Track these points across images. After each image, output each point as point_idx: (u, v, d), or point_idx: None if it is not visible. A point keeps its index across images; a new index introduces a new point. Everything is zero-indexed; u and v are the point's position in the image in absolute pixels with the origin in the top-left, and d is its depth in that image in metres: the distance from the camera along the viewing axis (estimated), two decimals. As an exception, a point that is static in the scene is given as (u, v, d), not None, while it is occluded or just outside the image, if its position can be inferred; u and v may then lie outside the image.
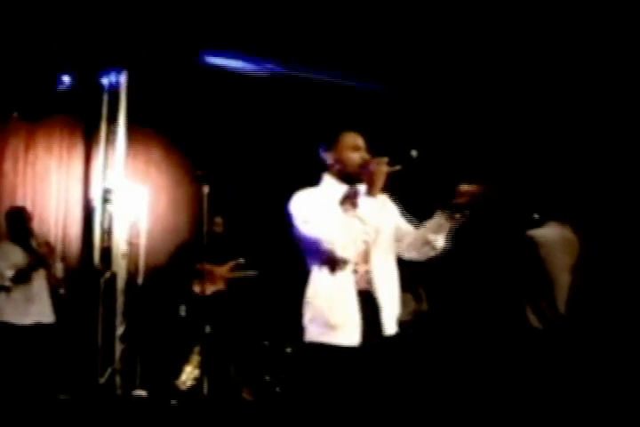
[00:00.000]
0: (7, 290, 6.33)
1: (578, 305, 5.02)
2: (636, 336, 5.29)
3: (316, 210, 3.45)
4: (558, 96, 6.85)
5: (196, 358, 6.71)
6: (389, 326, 3.52)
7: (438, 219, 3.53)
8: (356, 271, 3.46)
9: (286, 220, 3.53)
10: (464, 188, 3.46)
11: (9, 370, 6.17)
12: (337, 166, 3.63)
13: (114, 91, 7.87)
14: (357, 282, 3.46)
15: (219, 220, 7.42)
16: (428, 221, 3.59)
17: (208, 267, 6.97)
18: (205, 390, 6.08)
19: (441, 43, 7.04)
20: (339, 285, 3.44)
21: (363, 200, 3.46)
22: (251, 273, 7.23)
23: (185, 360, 6.74)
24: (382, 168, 3.43)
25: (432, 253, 3.63)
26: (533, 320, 5.09)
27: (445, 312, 7.21)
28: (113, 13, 6.90)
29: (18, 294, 6.38)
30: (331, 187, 3.62)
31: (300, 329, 3.51)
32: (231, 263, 7.19)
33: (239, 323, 7.04)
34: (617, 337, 5.29)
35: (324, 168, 3.70)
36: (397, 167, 3.45)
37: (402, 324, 7.29)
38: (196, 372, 6.66)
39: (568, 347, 4.93)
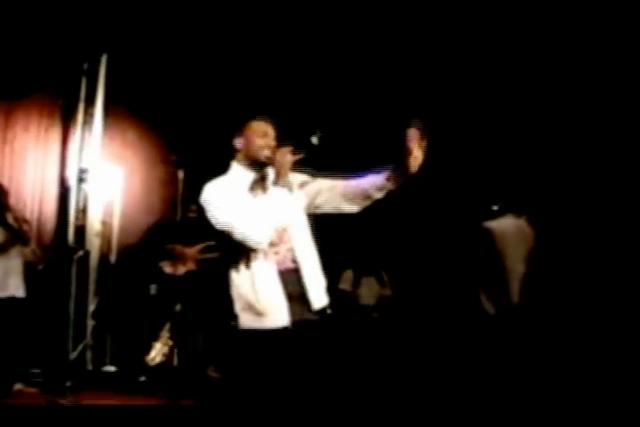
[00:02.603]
0: None
1: (530, 294, 5.26)
2: (583, 322, 5.51)
3: (226, 199, 3.52)
4: (524, 88, 6.98)
5: (165, 336, 6.85)
6: (318, 300, 3.64)
7: (385, 181, 3.61)
8: (277, 253, 3.57)
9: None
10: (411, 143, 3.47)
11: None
12: (244, 152, 3.70)
13: (93, 73, 7.99)
14: (282, 262, 3.58)
15: (193, 207, 7.57)
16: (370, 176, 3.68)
17: (179, 248, 7.10)
18: (173, 366, 6.26)
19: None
20: (259, 271, 3.54)
21: (271, 187, 3.58)
22: (220, 254, 7.36)
23: (155, 337, 6.87)
24: (287, 157, 3.54)
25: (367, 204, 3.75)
26: (488, 306, 5.32)
27: (407, 297, 7.42)
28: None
29: None
30: (239, 173, 3.70)
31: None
32: (201, 245, 7.33)
33: (208, 303, 7.17)
34: (566, 325, 5.52)
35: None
36: (301, 155, 3.57)
37: (366, 307, 7.59)
38: (165, 349, 6.80)
39: (519, 332, 5.15)
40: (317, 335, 3.65)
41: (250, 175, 3.69)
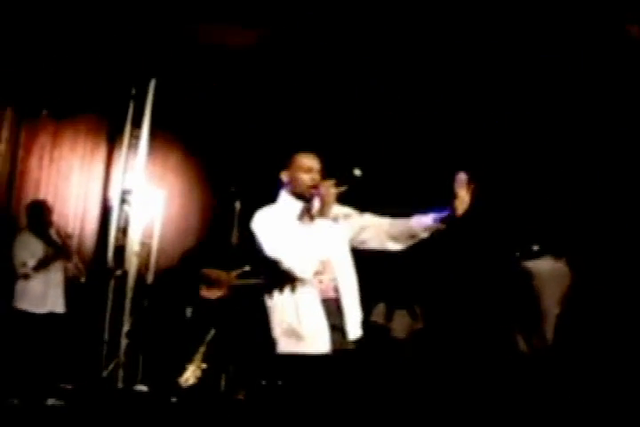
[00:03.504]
0: (26, 278, 6.50)
1: (564, 335, 5.32)
2: (618, 366, 5.55)
3: (275, 229, 3.58)
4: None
5: (198, 359, 6.93)
6: (354, 332, 3.69)
7: (432, 222, 3.69)
8: (321, 281, 3.64)
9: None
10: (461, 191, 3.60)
11: (20, 356, 6.36)
12: (290, 186, 3.79)
13: (140, 97, 8.23)
14: (324, 290, 3.64)
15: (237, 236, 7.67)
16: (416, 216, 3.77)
17: (216, 272, 7.20)
18: (205, 389, 6.34)
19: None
20: (304, 298, 3.60)
21: (317, 219, 3.66)
22: (255, 281, 7.44)
23: (188, 360, 6.95)
24: (330, 190, 3.62)
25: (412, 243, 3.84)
26: (522, 346, 5.39)
27: (440, 332, 7.47)
28: (146, 24, 7.22)
29: (37, 283, 6.55)
30: (288, 203, 3.78)
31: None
32: (237, 271, 7.41)
33: (241, 328, 7.24)
34: (599, 367, 5.57)
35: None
36: (344, 188, 3.64)
37: (398, 340, 7.64)
38: (198, 372, 6.89)
39: (552, 371, 5.22)
40: (354, 365, 3.70)
41: (298, 204, 3.77)
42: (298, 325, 3.57)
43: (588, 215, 6.24)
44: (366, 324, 6.23)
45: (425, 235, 3.78)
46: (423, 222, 3.74)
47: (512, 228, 6.68)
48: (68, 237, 7.04)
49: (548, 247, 5.57)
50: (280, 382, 3.63)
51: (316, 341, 3.56)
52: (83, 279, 7.02)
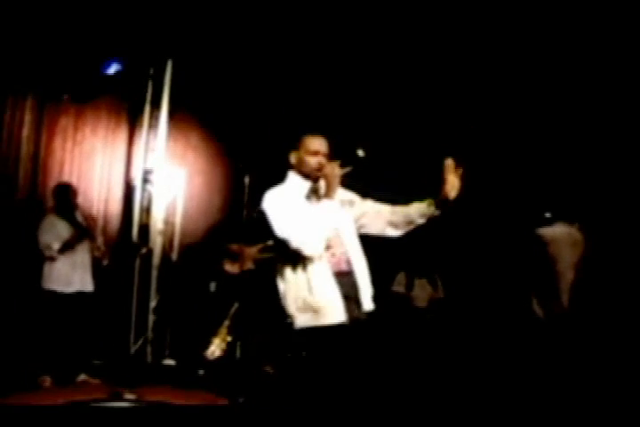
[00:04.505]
0: (52, 260, 6.64)
1: (579, 300, 5.40)
2: (631, 331, 5.62)
3: (285, 209, 3.71)
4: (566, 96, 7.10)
5: (223, 332, 7.02)
6: (367, 304, 3.81)
7: (427, 206, 3.85)
8: (333, 255, 3.76)
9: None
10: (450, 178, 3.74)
11: (51, 334, 6.54)
12: (297, 167, 3.92)
13: (159, 78, 8.32)
14: (337, 263, 3.76)
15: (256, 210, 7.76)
16: (414, 204, 3.91)
17: (238, 247, 7.29)
18: (231, 361, 6.45)
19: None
20: (315, 272, 3.70)
21: (323, 199, 3.77)
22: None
23: (214, 333, 7.05)
24: (335, 172, 3.74)
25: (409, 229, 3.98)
26: (538, 311, 5.50)
27: (459, 300, 7.56)
28: (164, 5, 7.32)
29: (63, 264, 6.69)
30: (296, 183, 3.90)
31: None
32: (260, 245, 7.50)
33: (265, 301, 7.33)
34: (614, 331, 5.64)
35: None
36: (348, 169, 3.76)
37: (419, 309, 7.74)
38: (224, 345, 6.98)
39: (568, 336, 5.32)
40: (370, 334, 3.82)
41: (306, 184, 3.90)
42: (312, 299, 3.67)
43: (599, 181, 6.28)
44: (388, 293, 6.39)
45: (422, 221, 3.92)
46: (420, 209, 3.89)
47: (526, 197, 6.75)
48: (93, 219, 7.20)
49: (560, 214, 5.65)
50: (304, 354, 3.71)
51: (332, 311, 3.66)
52: (105, 262, 7.13)
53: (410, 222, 3.94)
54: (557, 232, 5.56)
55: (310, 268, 3.70)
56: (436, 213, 3.86)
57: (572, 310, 5.39)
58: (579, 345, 5.31)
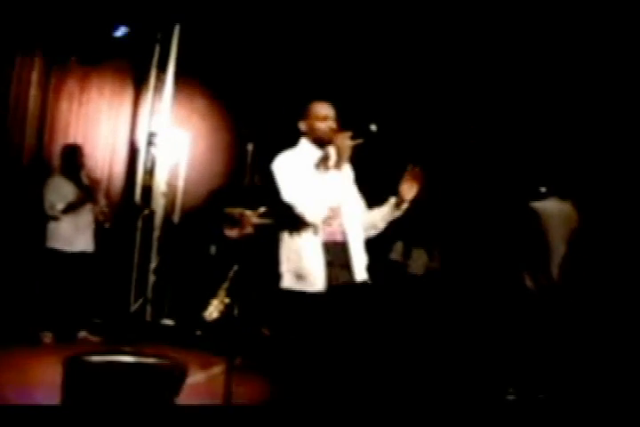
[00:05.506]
0: (56, 219, 6.77)
1: (569, 273, 5.53)
2: (618, 303, 5.77)
3: (294, 174, 3.81)
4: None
5: (222, 294, 7.13)
6: (360, 274, 3.95)
7: (389, 209, 4.02)
8: (330, 224, 3.88)
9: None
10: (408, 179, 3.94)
11: (53, 292, 6.71)
12: (309, 134, 4.01)
13: (166, 42, 8.37)
14: (332, 233, 3.89)
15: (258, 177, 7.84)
16: (378, 207, 4.07)
17: (239, 211, 7.38)
18: (229, 323, 6.57)
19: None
20: (307, 241, 3.84)
21: (331, 168, 3.87)
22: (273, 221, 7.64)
23: (212, 295, 7.16)
24: (346, 142, 3.81)
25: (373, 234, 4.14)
26: (529, 283, 5.63)
27: (453, 269, 7.69)
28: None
29: (67, 224, 6.82)
30: (307, 151, 3.98)
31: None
32: (260, 210, 7.59)
33: (262, 265, 7.43)
34: (602, 304, 5.79)
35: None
36: (360, 140, 3.83)
37: (414, 277, 7.89)
38: (222, 306, 7.09)
39: (557, 307, 5.48)
40: (363, 298, 3.93)
41: (317, 152, 3.97)
42: (299, 265, 3.83)
43: (592, 158, 6.37)
44: (386, 260, 6.51)
45: (383, 225, 4.11)
46: (382, 213, 4.06)
47: (522, 171, 6.84)
48: (97, 182, 7.27)
49: (555, 189, 5.77)
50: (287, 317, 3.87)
51: (314, 281, 3.80)
52: (107, 225, 7.23)
53: (373, 227, 4.12)
54: (549, 206, 5.67)
55: (305, 235, 3.84)
56: (396, 214, 4.04)
57: (562, 282, 5.52)
58: (568, 316, 5.47)
